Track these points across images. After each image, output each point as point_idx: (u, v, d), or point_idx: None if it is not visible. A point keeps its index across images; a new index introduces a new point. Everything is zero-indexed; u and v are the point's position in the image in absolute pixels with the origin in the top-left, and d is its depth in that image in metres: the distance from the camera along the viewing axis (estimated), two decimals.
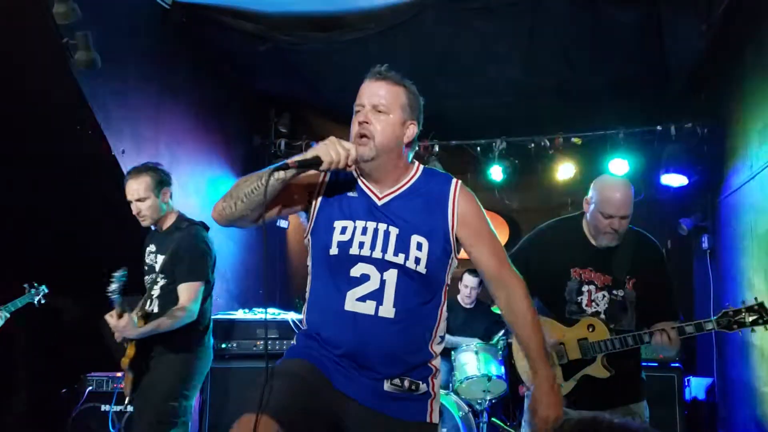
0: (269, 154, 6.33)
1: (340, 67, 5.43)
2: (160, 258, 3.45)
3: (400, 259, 2.05)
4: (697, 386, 5.22)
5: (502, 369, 5.08)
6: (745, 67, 4.31)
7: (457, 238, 2.15)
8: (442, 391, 4.94)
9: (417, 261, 2.06)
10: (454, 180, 2.19)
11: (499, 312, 4.40)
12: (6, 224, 4.52)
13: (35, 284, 4.27)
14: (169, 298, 3.35)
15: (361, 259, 2.06)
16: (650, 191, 5.76)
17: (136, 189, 3.39)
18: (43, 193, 4.50)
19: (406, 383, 2.06)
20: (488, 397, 5.02)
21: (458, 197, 2.15)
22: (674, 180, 5.51)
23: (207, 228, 3.55)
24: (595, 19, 4.64)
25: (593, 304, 2.90)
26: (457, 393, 5.01)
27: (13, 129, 4.19)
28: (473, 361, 5.00)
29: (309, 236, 2.19)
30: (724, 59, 4.72)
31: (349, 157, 2.01)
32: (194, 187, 5.35)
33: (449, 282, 2.21)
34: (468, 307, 5.73)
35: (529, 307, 2.17)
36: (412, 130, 2.16)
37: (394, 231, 2.08)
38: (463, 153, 6.15)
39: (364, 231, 2.08)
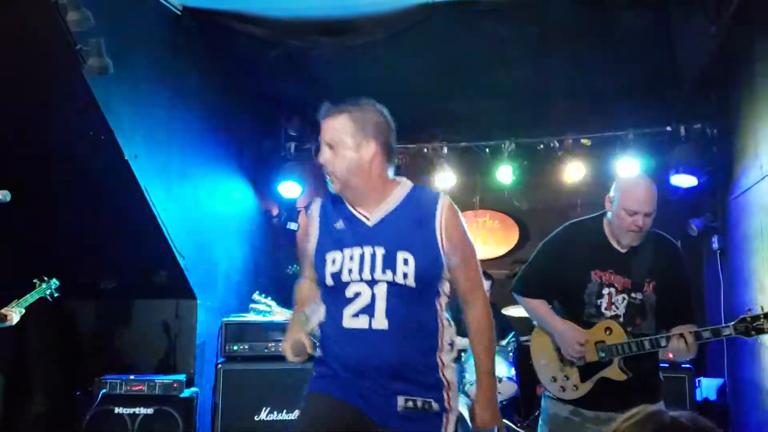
0: (279, 158, 6.37)
1: (349, 71, 5.46)
2: None
3: (388, 276, 2.14)
4: (708, 387, 5.21)
5: (513, 371, 5.09)
6: (754, 68, 4.30)
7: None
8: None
9: (405, 275, 2.14)
10: (443, 197, 2.27)
11: (509, 315, 4.44)
12: (20, 228, 4.57)
13: (45, 278, 4.21)
14: None
15: (351, 282, 2.18)
16: (660, 192, 5.70)
17: None
18: (57, 197, 4.55)
19: (419, 403, 2.13)
20: (499, 399, 5.02)
21: (445, 214, 2.22)
22: (684, 181, 5.50)
23: None
24: (605, 21, 4.65)
25: (613, 307, 2.88)
26: (467, 394, 5.02)
27: (27, 134, 4.25)
28: None
29: (314, 269, 2.32)
30: (734, 60, 4.71)
31: (299, 343, 2.19)
32: (206, 191, 5.39)
33: (447, 292, 2.28)
34: None
35: (489, 328, 2.30)
36: (369, 148, 2.21)
37: (380, 251, 2.17)
38: (472, 154, 6.17)
39: (352, 257, 2.18)
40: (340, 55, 5.16)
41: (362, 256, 2.18)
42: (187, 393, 4.68)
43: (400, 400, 2.14)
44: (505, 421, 5.13)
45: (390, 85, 5.61)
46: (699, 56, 4.93)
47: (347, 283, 2.18)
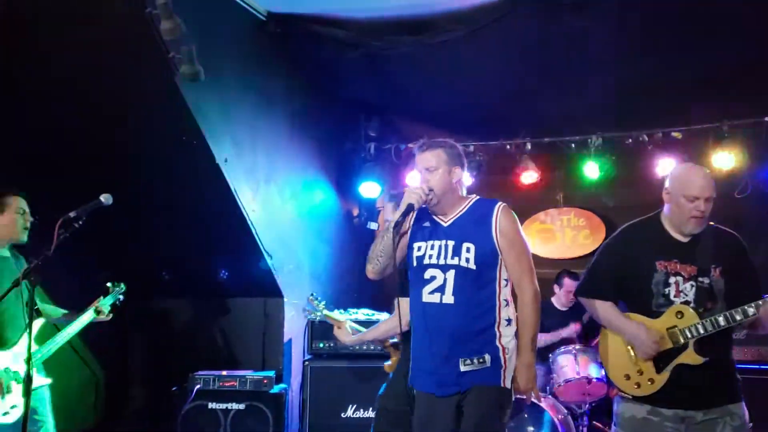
0: (359, 159, 6.43)
1: (428, 69, 5.46)
2: None
3: (455, 261, 2.86)
4: None
5: (603, 371, 4.95)
6: None
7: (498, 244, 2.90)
8: (540, 394, 4.86)
9: (467, 260, 2.85)
10: (499, 203, 2.95)
11: None
12: (117, 231, 4.78)
13: (115, 282, 4.12)
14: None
15: (430, 266, 2.91)
16: (758, 185, 5.48)
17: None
18: (152, 200, 4.75)
19: (476, 360, 2.80)
20: (588, 400, 4.91)
21: (499, 214, 2.90)
22: None
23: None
24: (694, 9, 4.46)
25: (681, 294, 2.87)
26: (555, 395, 4.92)
27: (123, 141, 4.45)
28: (572, 364, 4.90)
29: (406, 261, 3.06)
30: None
31: (424, 190, 2.90)
32: (291, 192, 5.51)
33: (508, 279, 2.90)
34: (563, 309, 5.62)
35: (533, 313, 2.89)
36: (456, 174, 2.98)
37: (450, 243, 2.89)
38: (557, 150, 6.02)
39: (432, 247, 2.93)
40: (419, 55, 5.15)
41: (440, 247, 2.91)
42: (276, 389, 4.79)
43: (461, 362, 2.79)
44: (595, 423, 5.02)
45: (470, 82, 5.58)
46: None
47: (426, 267, 2.91)
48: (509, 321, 2.87)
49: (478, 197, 3.02)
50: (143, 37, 3.80)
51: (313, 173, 5.94)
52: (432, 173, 2.95)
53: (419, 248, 2.96)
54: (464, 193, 3.05)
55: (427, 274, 2.90)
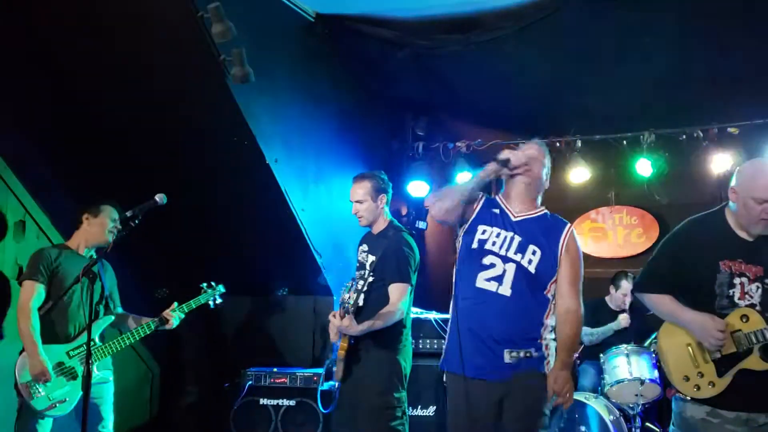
0: (407, 158, 6.44)
1: (476, 67, 5.43)
2: (371, 257, 3.66)
3: (517, 257, 2.88)
4: None
5: (656, 372, 4.85)
6: None
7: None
8: (592, 395, 4.80)
9: (530, 262, 2.88)
10: (570, 224, 3.03)
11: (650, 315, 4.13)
12: (169, 229, 4.90)
13: (212, 284, 4.07)
14: (374, 295, 3.54)
15: (491, 252, 2.91)
16: None
17: (356, 192, 3.72)
18: (204, 200, 4.85)
19: (522, 353, 2.85)
20: (641, 402, 4.81)
21: (569, 235, 2.97)
22: None
23: (412, 234, 3.70)
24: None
25: (746, 296, 2.74)
26: (607, 396, 4.84)
27: (175, 141, 4.57)
28: (624, 364, 4.81)
29: (461, 237, 3.03)
30: None
31: (522, 159, 2.96)
32: (339, 192, 5.54)
33: (554, 298, 2.91)
34: (616, 309, 5.52)
35: (575, 333, 2.94)
36: (546, 178, 3.08)
37: (517, 238, 2.92)
38: (608, 147, 5.92)
39: (498, 235, 2.94)
40: (466, 53, 5.13)
41: (506, 237, 2.93)
42: (326, 386, 4.83)
43: (506, 353, 2.84)
44: (648, 425, 4.92)
45: (519, 80, 5.53)
46: None
47: (487, 252, 2.92)
48: (553, 329, 2.94)
49: (548, 211, 3.07)
50: (195, 40, 3.90)
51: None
52: (534, 163, 3.02)
53: (483, 231, 2.96)
54: (539, 202, 3.11)
55: (486, 260, 2.91)
